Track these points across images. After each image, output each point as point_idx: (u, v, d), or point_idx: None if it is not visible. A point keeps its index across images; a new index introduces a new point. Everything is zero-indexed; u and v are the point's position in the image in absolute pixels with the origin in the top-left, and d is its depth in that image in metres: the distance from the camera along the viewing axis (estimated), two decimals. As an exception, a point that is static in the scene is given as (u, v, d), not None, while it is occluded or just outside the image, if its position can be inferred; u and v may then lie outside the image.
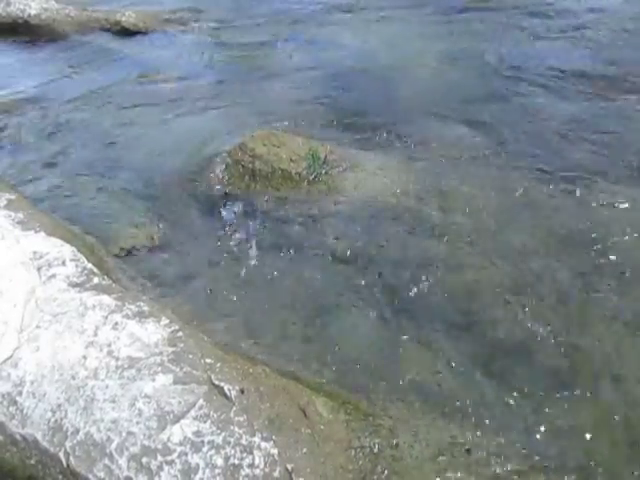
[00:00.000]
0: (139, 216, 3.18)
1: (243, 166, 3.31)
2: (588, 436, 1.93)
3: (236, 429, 1.82)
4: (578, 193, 2.92)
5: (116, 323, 2.16)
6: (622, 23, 4.52)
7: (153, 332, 2.13)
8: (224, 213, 3.12)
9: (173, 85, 4.64)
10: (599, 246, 2.59)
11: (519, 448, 1.91)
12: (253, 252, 2.85)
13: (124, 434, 1.80)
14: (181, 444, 1.77)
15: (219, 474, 1.71)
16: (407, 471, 1.84)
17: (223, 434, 1.80)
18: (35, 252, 2.51)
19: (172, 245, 2.97)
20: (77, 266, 2.46)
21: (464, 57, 4.43)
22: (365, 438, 1.93)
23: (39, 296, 2.28)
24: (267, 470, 1.73)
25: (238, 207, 3.14)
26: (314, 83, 4.34)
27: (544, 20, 4.76)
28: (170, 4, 6.12)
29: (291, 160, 3.26)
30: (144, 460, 1.74)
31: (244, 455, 1.76)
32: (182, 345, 2.08)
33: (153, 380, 1.94)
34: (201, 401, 1.88)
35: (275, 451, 1.78)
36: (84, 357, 2.03)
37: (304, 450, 1.81)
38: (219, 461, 1.74)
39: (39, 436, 1.84)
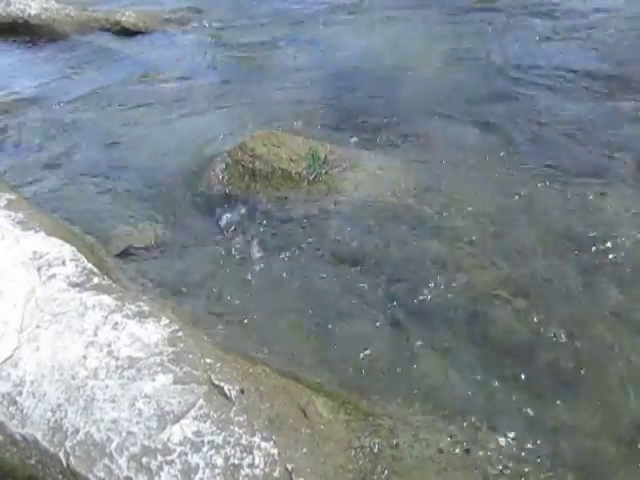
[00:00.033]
0: (139, 216, 3.18)
1: (243, 166, 3.30)
2: (589, 436, 1.93)
3: (236, 429, 1.82)
4: (580, 193, 2.92)
5: (116, 323, 2.16)
6: (628, 23, 4.51)
7: (153, 332, 2.13)
8: (224, 213, 3.12)
9: (173, 85, 4.64)
10: (603, 246, 2.60)
11: (519, 448, 1.91)
12: (253, 252, 2.85)
13: (124, 434, 1.80)
14: (181, 444, 1.77)
15: (219, 474, 1.71)
16: (407, 471, 1.84)
17: (223, 434, 1.80)
18: (35, 252, 2.51)
19: (172, 245, 2.97)
20: (77, 266, 2.46)
21: (468, 57, 4.42)
22: (365, 438, 1.92)
23: (39, 296, 2.28)
24: (267, 470, 1.73)
25: (238, 207, 3.14)
26: (315, 83, 4.34)
27: (549, 20, 4.75)
28: (170, 4, 6.12)
29: (291, 160, 3.26)
30: (144, 460, 1.74)
31: (244, 455, 1.76)
32: (182, 345, 2.08)
33: (153, 380, 1.94)
34: (201, 401, 1.88)
35: (275, 451, 1.78)
36: (84, 357, 2.03)
37: (304, 450, 1.81)
38: (219, 461, 1.74)
39: (39, 436, 1.84)
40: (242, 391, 1.93)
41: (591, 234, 2.66)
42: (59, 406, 1.89)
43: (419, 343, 2.31)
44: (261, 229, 2.98)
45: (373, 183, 3.15)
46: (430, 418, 2.02)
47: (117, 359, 2.02)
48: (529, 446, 1.92)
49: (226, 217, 3.09)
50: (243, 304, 2.57)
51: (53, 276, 2.38)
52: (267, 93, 4.30)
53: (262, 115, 3.94)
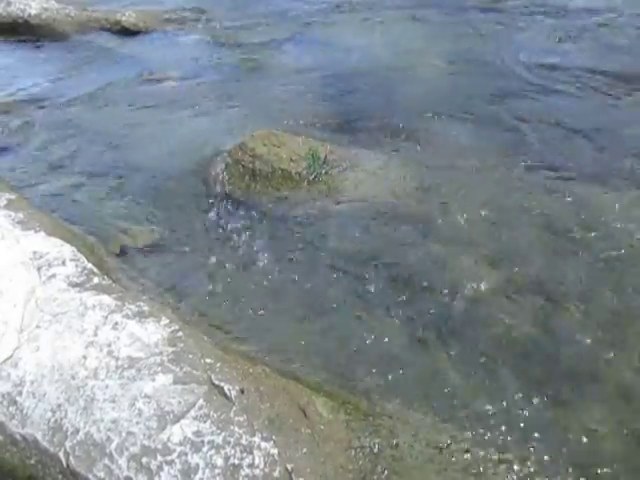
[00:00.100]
0: (139, 216, 3.18)
1: (243, 166, 3.30)
2: (591, 438, 1.93)
3: (236, 429, 1.82)
4: (581, 193, 2.92)
5: (116, 323, 2.16)
6: (634, 22, 4.50)
7: (153, 332, 2.13)
8: (224, 213, 3.12)
9: (173, 85, 4.64)
10: (605, 246, 2.60)
11: (520, 449, 1.91)
12: (253, 252, 2.85)
13: (124, 434, 1.80)
14: (181, 444, 1.77)
15: (219, 474, 1.71)
16: (407, 471, 1.84)
17: (223, 434, 1.80)
18: (35, 252, 2.51)
19: (172, 245, 2.97)
20: (77, 266, 2.46)
21: (468, 57, 4.42)
22: (365, 438, 1.92)
23: (39, 296, 2.28)
24: (267, 470, 1.73)
25: (238, 207, 3.14)
26: (315, 83, 4.34)
27: (553, 20, 4.76)
28: (170, 4, 6.12)
29: (291, 160, 3.26)
30: (144, 460, 1.74)
31: (244, 455, 1.76)
32: (182, 345, 2.08)
33: (153, 380, 1.94)
34: (201, 401, 1.88)
35: (275, 451, 1.78)
36: (84, 357, 2.03)
37: (304, 450, 1.81)
38: (219, 461, 1.74)
39: (39, 436, 1.84)
40: (242, 391, 1.93)
41: (593, 234, 2.66)
42: (59, 406, 1.89)
43: (420, 343, 2.31)
44: (261, 229, 2.97)
45: (373, 183, 3.15)
46: (430, 418, 2.02)
47: (117, 359, 2.02)
48: (530, 447, 1.92)
49: (226, 217, 3.09)
50: (243, 304, 2.57)
51: (53, 276, 2.38)
52: (267, 93, 4.30)
53: (262, 115, 3.94)
